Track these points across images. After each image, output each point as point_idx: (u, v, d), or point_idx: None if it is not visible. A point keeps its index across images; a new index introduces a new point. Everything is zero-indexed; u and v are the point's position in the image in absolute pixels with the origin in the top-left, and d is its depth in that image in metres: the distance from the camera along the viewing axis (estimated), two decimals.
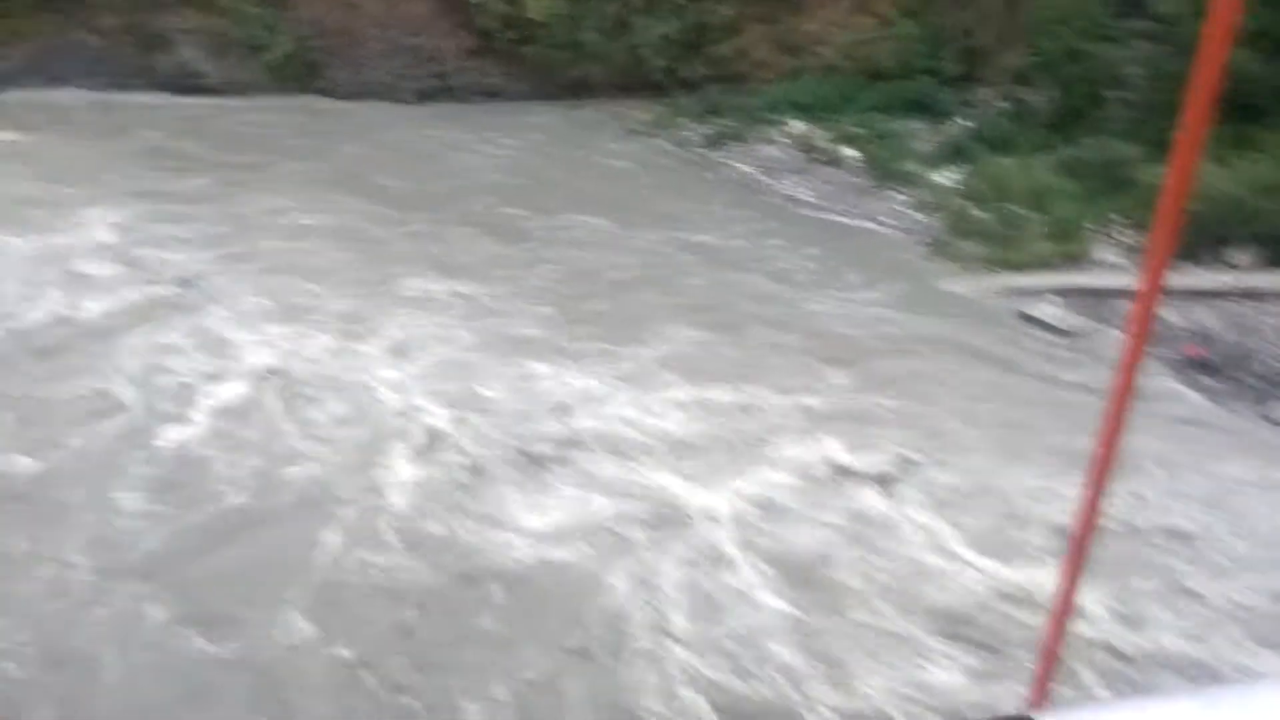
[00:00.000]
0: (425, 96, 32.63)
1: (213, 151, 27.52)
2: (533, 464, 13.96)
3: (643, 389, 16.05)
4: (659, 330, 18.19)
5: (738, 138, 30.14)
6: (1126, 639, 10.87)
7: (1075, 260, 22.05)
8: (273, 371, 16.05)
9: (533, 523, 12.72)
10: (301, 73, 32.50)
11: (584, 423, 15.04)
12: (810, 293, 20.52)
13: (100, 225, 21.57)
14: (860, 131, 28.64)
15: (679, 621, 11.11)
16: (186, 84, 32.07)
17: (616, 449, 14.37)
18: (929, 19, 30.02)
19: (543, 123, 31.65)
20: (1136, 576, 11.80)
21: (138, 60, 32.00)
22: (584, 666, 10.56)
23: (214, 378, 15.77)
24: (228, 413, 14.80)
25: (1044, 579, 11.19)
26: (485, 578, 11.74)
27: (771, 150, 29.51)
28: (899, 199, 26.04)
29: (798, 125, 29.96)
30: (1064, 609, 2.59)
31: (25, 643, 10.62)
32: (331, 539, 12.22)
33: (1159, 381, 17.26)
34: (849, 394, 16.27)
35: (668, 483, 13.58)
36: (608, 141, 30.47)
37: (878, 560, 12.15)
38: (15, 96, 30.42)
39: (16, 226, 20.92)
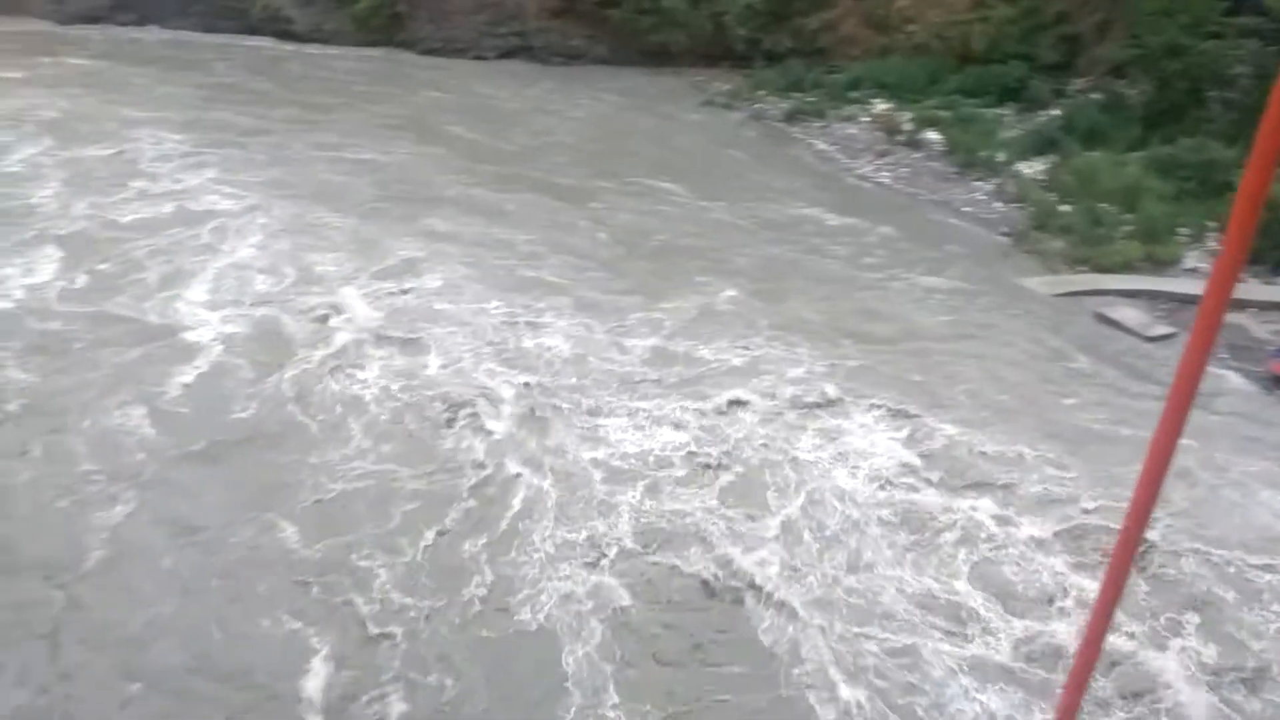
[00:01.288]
0: (505, 54, 32.56)
1: (282, 90, 27.96)
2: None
3: (624, 336, 15.98)
4: (690, 292, 17.88)
5: (818, 114, 29.45)
6: None
7: (1163, 265, 21.08)
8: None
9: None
10: (385, 25, 32.67)
11: (525, 346, 15.33)
12: (870, 273, 19.94)
13: (148, 144, 22.51)
14: (945, 115, 27.71)
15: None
16: (273, 29, 32.50)
17: (548, 387, 14.51)
18: (1025, 2, 28.86)
19: (621, 87, 31.34)
20: None
21: (228, 3, 32.48)
22: None
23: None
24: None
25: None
26: None
27: (851, 129, 28.77)
28: (981, 187, 25.16)
29: (881, 105, 29.13)
30: (1099, 632, 2.33)
31: None
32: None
33: (1234, 386, 16.43)
34: (862, 365, 15.75)
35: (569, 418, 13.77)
36: (686, 110, 30.07)
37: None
38: (104, 31, 31.15)
39: (65, 141, 22.07)
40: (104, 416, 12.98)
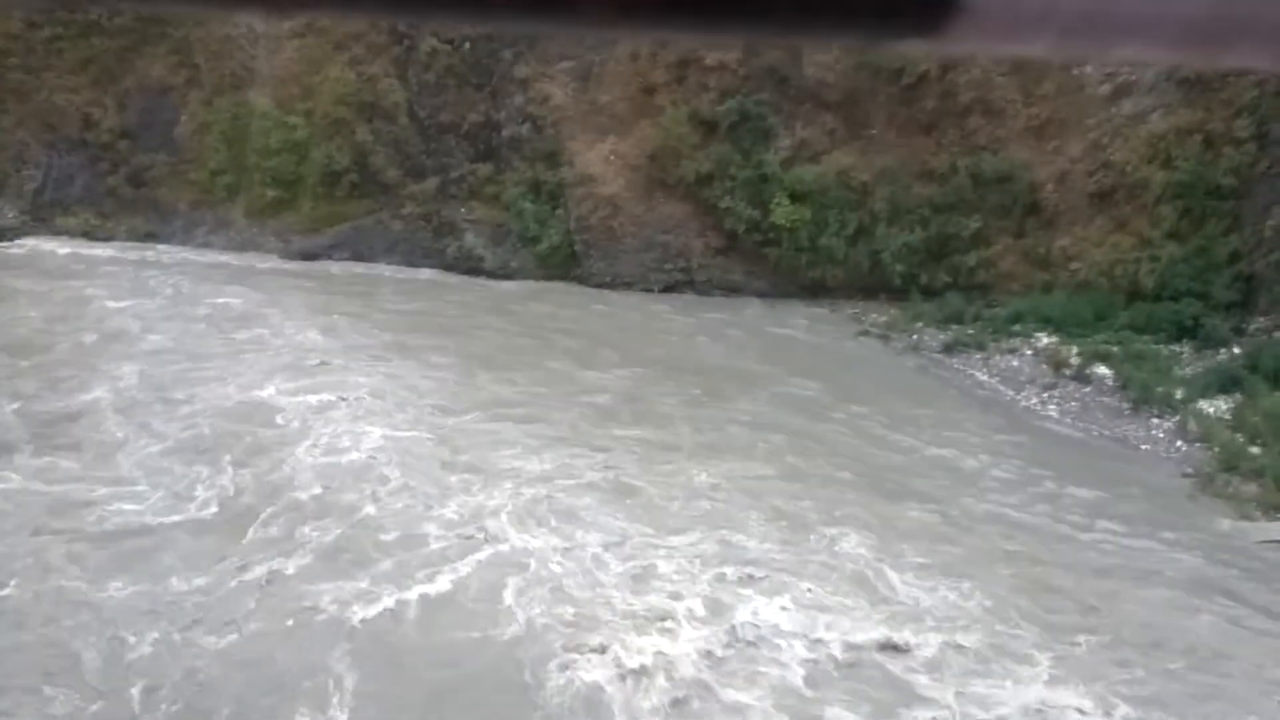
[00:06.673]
0: (668, 288, 34.63)
1: (458, 311, 31.39)
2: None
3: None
4: (794, 523, 17.86)
5: (978, 346, 29.36)
6: None
7: None
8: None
9: None
10: (563, 261, 35.61)
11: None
12: (1059, 524, 18.99)
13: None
14: (1115, 350, 27.04)
15: None
16: (466, 266, 36.03)
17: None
18: (1195, 241, 28.47)
19: (777, 317, 32.51)
20: None
21: (430, 243, 36.48)
22: None
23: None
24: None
25: None
26: None
27: (1014, 361, 28.42)
28: (1160, 425, 24.03)
29: (1045, 339, 28.85)
30: None
31: None
32: None
33: None
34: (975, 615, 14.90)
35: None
36: (840, 339, 30.72)
37: None
38: (329, 267, 35.51)
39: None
40: None
